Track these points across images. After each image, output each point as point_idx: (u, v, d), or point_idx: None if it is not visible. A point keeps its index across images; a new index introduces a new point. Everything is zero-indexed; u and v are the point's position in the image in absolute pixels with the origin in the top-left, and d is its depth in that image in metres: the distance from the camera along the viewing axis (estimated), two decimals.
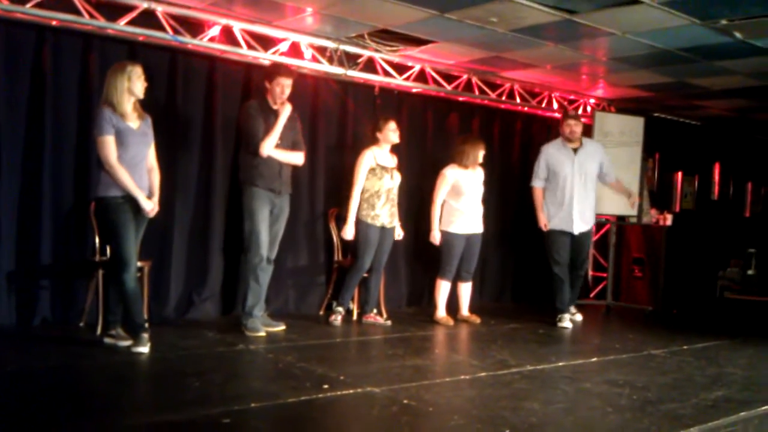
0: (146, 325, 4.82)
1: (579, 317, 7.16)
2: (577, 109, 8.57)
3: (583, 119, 7.03)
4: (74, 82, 5.55)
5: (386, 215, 6.27)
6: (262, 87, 5.71)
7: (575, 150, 6.82)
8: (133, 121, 4.77)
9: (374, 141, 6.31)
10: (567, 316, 6.83)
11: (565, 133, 6.84)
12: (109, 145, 4.65)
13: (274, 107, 5.57)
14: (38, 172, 5.40)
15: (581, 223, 6.82)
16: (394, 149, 6.46)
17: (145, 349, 4.67)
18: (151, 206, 4.83)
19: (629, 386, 4.44)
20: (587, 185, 6.82)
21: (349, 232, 6.19)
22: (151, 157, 4.96)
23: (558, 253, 6.82)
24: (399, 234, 6.47)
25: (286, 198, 5.76)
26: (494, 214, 6.95)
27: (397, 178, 6.38)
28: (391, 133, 6.27)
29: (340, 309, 6.25)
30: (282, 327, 5.81)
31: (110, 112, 4.68)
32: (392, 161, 6.39)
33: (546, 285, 7.37)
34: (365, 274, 6.36)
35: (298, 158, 5.79)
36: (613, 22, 5.65)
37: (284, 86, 5.54)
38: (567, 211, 6.77)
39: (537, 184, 6.94)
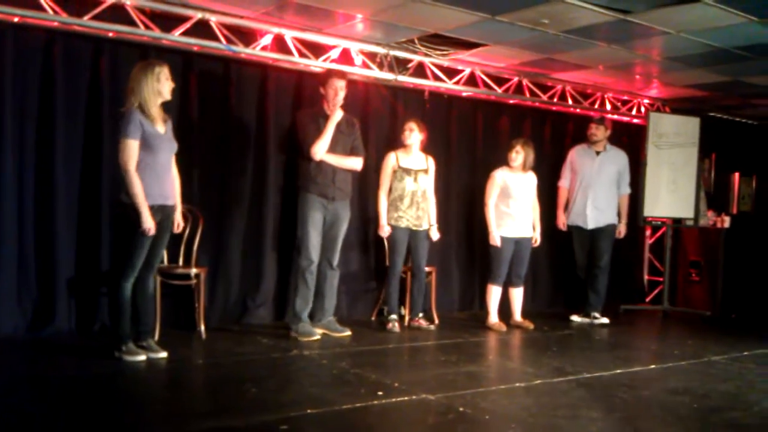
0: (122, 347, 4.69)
1: (601, 320, 7.03)
2: (630, 109, 8.48)
3: (608, 125, 7.32)
4: None
5: (412, 217, 6.22)
6: (317, 95, 5.75)
7: (598, 153, 7.19)
8: (160, 125, 4.61)
9: (402, 143, 6.31)
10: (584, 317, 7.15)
11: (587, 136, 7.25)
12: (132, 149, 4.45)
13: (329, 113, 5.61)
14: (96, 180, 5.52)
15: (595, 219, 7.11)
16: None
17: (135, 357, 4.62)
18: (150, 225, 4.49)
19: (690, 394, 4.35)
20: (605, 186, 7.14)
21: (382, 231, 6.21)
22: (174, 163, 4.81)
23: (575, 251, 7.27)
24: (435, 236, 6.39)
25: (343, 203, 5.80)
26: (546, 218, 6.88)
27: (424, 180, 6.27)
28: (403, 134, 6.24)
29: (393, 316, 6.25)
30: (347, 333, 5.85)
31: (140, 115, 4.49)
32: (420, 163, 6.29)
33: None
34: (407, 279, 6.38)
35: (354, 163, 5.81)
36: (668, 21, 5.54)
37: (338, 88, 5.60)
38: (581, 207, 7.15)
39: (561, 183, 7.36)
